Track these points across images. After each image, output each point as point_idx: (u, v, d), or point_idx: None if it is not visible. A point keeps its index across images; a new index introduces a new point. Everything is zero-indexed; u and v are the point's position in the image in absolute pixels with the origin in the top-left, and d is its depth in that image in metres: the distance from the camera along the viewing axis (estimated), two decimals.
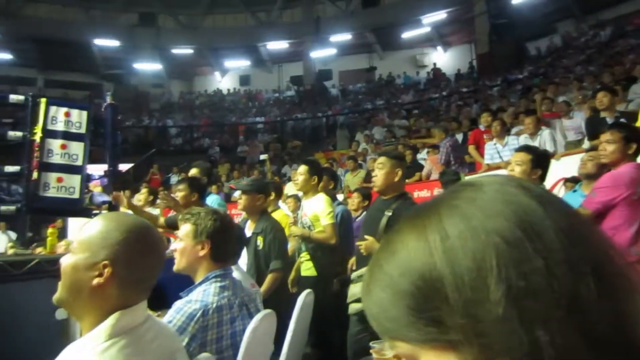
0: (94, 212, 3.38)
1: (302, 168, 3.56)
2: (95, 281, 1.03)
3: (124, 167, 5.83)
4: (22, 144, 3.22)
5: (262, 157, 11.75)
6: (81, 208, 3.37)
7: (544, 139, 5.40)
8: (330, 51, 20.25)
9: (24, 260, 2.54)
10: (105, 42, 19.08)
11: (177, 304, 1.68)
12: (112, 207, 3.42)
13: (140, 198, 4.72)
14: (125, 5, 19.61)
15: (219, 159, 14.52)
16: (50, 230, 3.22)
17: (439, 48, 20.88)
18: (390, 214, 2.63)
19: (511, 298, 0.35)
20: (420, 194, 6.45)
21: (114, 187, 3.60)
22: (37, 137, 3.18)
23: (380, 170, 2.80)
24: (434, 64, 20.27)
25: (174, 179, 8.86)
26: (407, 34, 19.54)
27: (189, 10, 20.44)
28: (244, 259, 3.06)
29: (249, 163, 13.15)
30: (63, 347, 1.02)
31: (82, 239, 1.09)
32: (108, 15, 19.58)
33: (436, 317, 0.38)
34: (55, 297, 1.09)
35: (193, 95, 22.60)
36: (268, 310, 1.93)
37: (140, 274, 1.09)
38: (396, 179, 2.77)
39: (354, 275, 2.89)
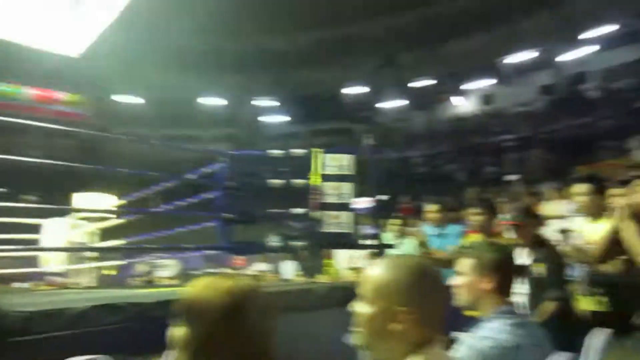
0: (362, 243, 4.13)
1: (583, 187, 3.21)
2: (397, 327, 1.12)
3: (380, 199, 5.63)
4: (303, 189, 3.94)
5: (511, 177, 11.28)
6: (352, 240, 3.99)
7: None
8: (586, 50, 18.86)
9: (315, 288, 3.01)
10: (353, 90, 23.78)
11: (468, 340, 1.68)
12: (377, 237, 4.10)
13: (392, 229, 5.17)
14: (368, 53, 22.19)
15: (466, 182, 14.42)
16: (328, 261, 4.01)
17: None
18: None
19: None
20: None
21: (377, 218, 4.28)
22: (316, 182, 3.89)
23: None
24: None
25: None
26: None
27: (426, 43, 21.77)
28: None
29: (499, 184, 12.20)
30: None
31: (375, 289, 1.17)
32: (354, 65, 22.70)
33: None
34: (360, 342, 1.19)
35: (434, 123, 23.72)
36: (570, 354, 1.84)
37: (433, 311, 1.18)
38: None
39: (635, 321, 2.68)
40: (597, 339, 2.13)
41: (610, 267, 2.92)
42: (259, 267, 9.17)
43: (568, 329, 2.87)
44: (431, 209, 4.55)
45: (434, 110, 25.58)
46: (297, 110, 25.40)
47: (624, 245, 2.49)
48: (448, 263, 3.77)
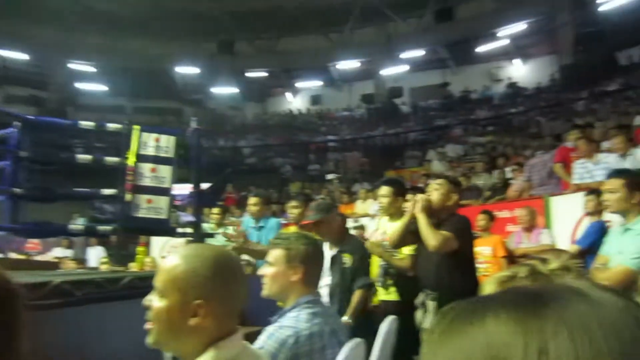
0: (179, 231, 3.82)
1: (385, 189, 3.47)
2: (193, 322, 1.07)
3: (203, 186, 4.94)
4: (117, 168, 3.55)
5: (331, 176, 12.28)
6: (168, 228, 3.73)
7: (637, 158, 5.34)
8: (402, 68, 20.80)
9: (119, 277, 2.66)
10: (186, 70, 22.36)
11: (269, 330, 1.72)
12: (196, 226, 3.73)
13: (214, 218, 5.37)
14: (205, 34, 21.86)
15: (290, 177, 15.70)
16: (140, 248, 3.78)
17: (518, 61, 21.01)
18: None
19: None
20: (500, 214, 6.30)
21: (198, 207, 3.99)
22: (131, 162, 3.54)
23: (436, 191, 2.96)
24: (511, 78, 20.52)
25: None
26: (483, 48, 19.71)
27: (264, 35, 22.57)
28: None
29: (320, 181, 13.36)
30: None
31: (169, 281, 1.09)
32: (189, 45, 22.16)
33: None
34: (151, 340, 1.11)
35: (266, 116, 24.82)
36: (359, 339, 1.83)
37: (233, 304, 1.15)
38: (450, 203, 2.97)
39: (416, 302, 2.92)
40: (387, 325, 2.36)
41: (400, 262, 3.30)
42: (59, 252, 8.39)
43: (369, 317, 3.19)
44: (251, 201, 4.62)
45: (267, 103, 26.11)
46: (121, 82, 23.04)
47: (419, 234, 2.86)
48: (263, 254, 3.91)
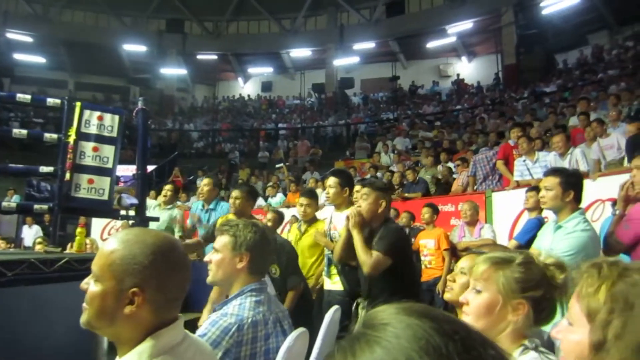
0: (122, 213, 3.69)
1: (332, 180, 3.51)
2: (128, 309, 1.03)
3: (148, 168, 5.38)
4: (56, 145, 3.48)
5: (278, 165, 12.20)
6: (110, 209, 3.65)
7: (575, 158, 5.44)
8: (353, 59, 20.99)
9: (54, 259, 2.59)
10: (134, 47, 21.69)
11: (213, 317, 1.70)
12: (140, 209, 3.63)
13: (166, 194, 5.23)
14: (154, 12, 22.06)
15: (239, 163, 15.16)
16: (78, 229, 3.36)
17: (464, 58, 21.50)
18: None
19: None
20: (445, 208, 6.61)
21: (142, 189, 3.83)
22: (71, 140, 3.42)
23: (364, 201, 2.86)
24: (458, 75, 21.00)
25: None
26: (432, 44, 20.13)
27: (215, 17, 22.56)
28: None
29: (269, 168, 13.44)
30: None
31: (105, 266, 1.05)
32: (137, 21, 22.15)
33: None
34: (84, 321, 1.07)
35: (216, 100, 24.10)
36: (302, 329, 1.79)
37: (172, 293, 1.09)
38: (380, 210, 2.87)
39: (359, 300, 2.90)
40: (331, 315, 2.34)
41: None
42: None
43: (309, 307, 3.27)
44: (204, 182, 4.60)
45: (216, 87, 25.42)
46: (62, 55, 21.65)
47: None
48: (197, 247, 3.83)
